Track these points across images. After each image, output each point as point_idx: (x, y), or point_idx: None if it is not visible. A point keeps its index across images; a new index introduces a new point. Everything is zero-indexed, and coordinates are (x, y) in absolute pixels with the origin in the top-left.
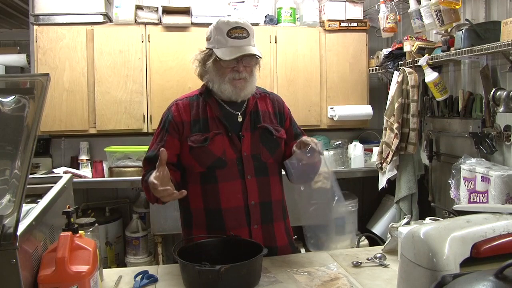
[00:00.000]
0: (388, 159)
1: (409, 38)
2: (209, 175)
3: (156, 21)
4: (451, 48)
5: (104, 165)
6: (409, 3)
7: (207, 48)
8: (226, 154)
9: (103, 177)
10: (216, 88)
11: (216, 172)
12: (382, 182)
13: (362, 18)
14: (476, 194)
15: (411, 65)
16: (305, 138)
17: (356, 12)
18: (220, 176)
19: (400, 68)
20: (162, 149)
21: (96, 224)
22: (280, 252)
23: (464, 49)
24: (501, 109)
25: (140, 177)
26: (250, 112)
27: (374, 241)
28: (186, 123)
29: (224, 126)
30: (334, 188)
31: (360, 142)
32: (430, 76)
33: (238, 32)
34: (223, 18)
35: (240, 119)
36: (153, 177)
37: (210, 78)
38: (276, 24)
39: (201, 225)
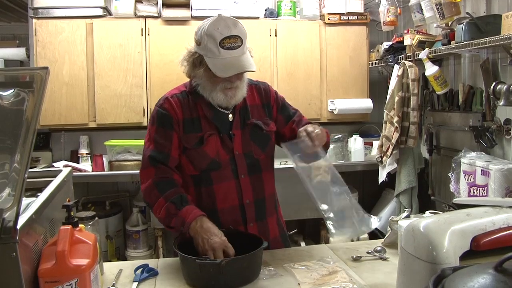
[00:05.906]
0: (388, 153)
1: (409, 31)
2: (204, 177)
3: (156, 15)
4: (452, 42)
5: (104, 159)
6: None
7: (196, 52)
8: (219, 155)
9: (103, 171)
10: (207, 95)
11: (211, 174)
12: (382, 176)
13: (362, 11)
14: (476, 187)
15: (411, 59)
16: (313, 133)
17: (357, 5)
18: (215, 178)
19: (400, 62)
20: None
21: (96, 218)
22: (271, 246)
23: (465, 42)
24: (501, 103)
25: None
26: (239, 109)
27: (374, 234)
28: (180, 121)
29: (216, 127)
30: (337, 180)
31: (360, 136)
32: (431, 69)
33: (231, 41)
34: (214, 23)
35: (231, 118)
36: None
37: (201, 85)
38: (276, 17)
39: None
